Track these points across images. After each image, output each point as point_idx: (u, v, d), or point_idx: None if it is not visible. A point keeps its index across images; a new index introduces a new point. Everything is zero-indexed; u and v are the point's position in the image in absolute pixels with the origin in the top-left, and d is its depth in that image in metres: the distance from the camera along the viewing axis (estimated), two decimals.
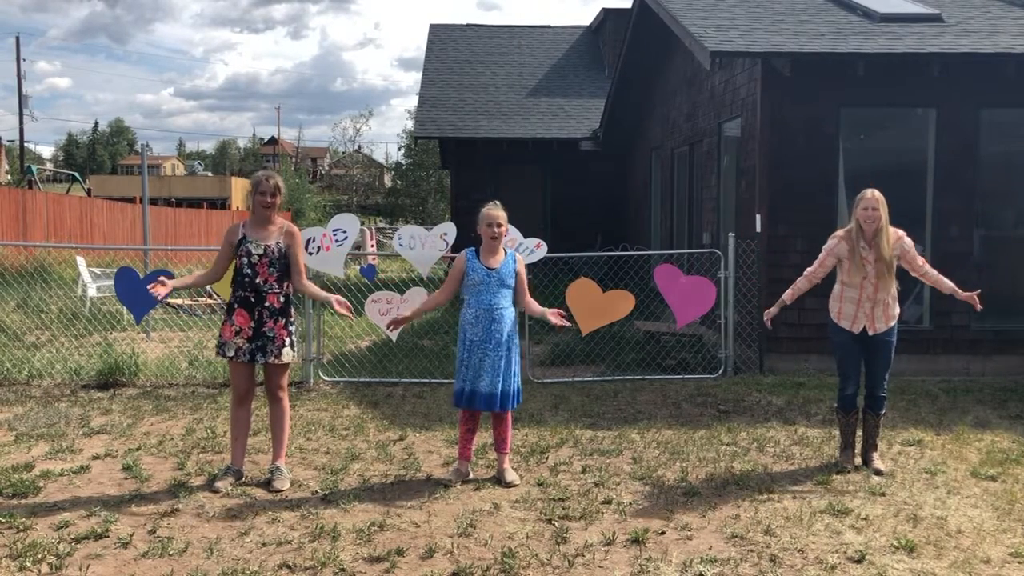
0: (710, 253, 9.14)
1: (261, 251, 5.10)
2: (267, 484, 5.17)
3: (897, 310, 5.49)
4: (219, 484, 5.11)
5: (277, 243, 5.14)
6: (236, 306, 5.14)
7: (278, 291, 5.15)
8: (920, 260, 5.48)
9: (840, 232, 5.50)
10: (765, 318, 5.84)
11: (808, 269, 5.66)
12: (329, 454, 5.89)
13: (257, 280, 5.11)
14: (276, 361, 5.14)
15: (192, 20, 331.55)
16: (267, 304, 5.12)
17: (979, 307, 5.48)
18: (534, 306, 5.40)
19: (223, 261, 5.31)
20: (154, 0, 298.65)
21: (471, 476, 5.37)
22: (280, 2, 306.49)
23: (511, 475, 5.30)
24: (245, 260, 5.12)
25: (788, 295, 5.73)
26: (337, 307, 5.07)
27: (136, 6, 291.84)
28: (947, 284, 5.49)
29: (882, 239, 5.28)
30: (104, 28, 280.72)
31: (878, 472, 5.40)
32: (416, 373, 8.46)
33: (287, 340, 5.17)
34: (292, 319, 5.25)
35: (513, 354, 5.28)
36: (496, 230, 5.26)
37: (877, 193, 5.32)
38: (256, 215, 5.25)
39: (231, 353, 5.13)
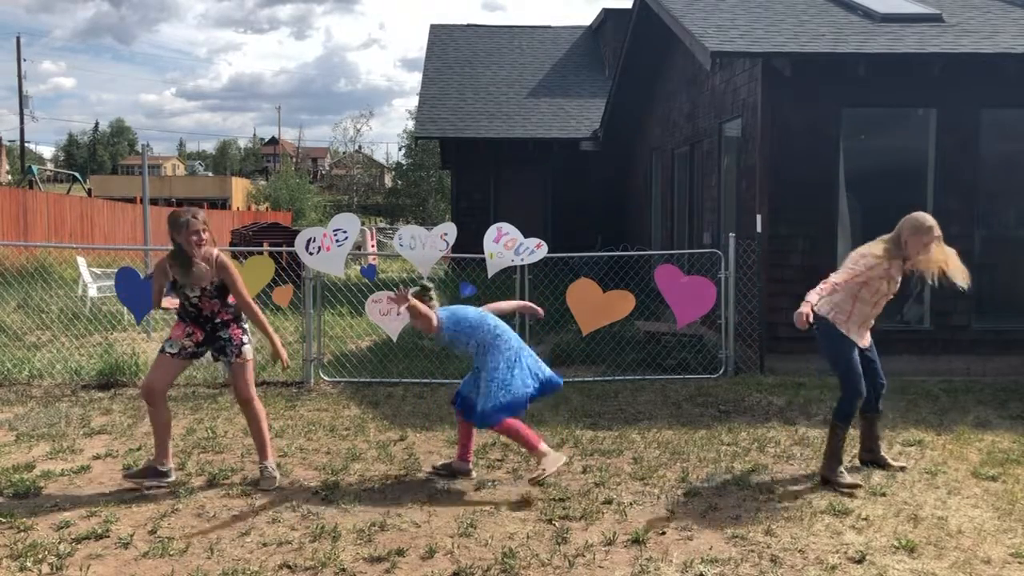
0: (711, 253, 9.14)
1: (198, 293, 5.08)
2: (256, 483, 5.18)
3: None
4: (149, 483, 5.08)
5: (212, 282, 5.08)
6: (189, 320, 5.16)
7: (224, 307, 5.16)
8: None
9: (880, 252, 5.12)
10: (801, 322, 4.93)
11: (838, 278, 5.08)
12: (329, 454, 5.89)
13: (204, 312, 5.13)
14: (239, 360, 5.13)
15: (197, 21, 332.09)
16: (218, 321, 5.15)
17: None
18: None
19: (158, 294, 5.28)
20: (159, 1, 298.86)
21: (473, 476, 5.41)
22: (284, 3, 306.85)
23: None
24: (185, 302, 5.14)
25: (815, 298, 5.06)
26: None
27: (141, 7, 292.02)
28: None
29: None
30: (109, 28, 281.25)
31: (903, 468, 5.41)
32: (417, 373, 8.46)
33: (243, 338, 5.18)
34: (244, 321, 5.25)
35: (481, 372, 5.21)
36: None
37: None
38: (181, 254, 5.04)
39: (175, 350, 5.10)
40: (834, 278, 5.12)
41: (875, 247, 5.24)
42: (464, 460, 5.40)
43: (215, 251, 5.10)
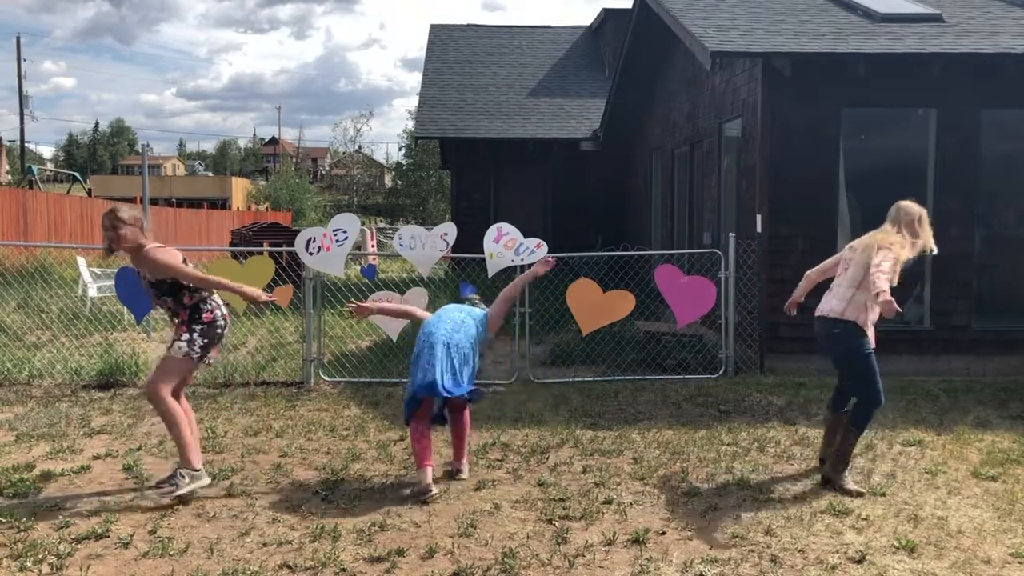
0: (711, 253, 9.14)
1: (145, 284, 5.11)
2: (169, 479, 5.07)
3: None
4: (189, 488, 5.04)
5: (145, 277, 5.07)
6: None
7: (179, 307, 5.09)
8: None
9: (901, 249, 5.00)
10: (894, 309, 4.67)
11: (887, 268, 4.85)
12: (329, 454, 5.89)
13: (162, 309, 5.18)
14: (168, 351, 5.03)
15: (197, 21, 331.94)
16: (178, 321, 5.14)
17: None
18: None
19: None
20: (160, 1, 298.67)
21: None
22: (284, 3, 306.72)
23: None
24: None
25: (887, 286, 4.79)
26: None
27: (141, 7, 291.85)
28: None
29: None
30: (109, 28, 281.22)
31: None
32: None
33: (184, 336, 5.02)
34: (201, 320, 5.08)
35: None
36: None
37: None
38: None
39: None
40: (886, 267, 4.85)
41: (892, 239, 5.02)
42: (457, 460, 5.43)
43: (148, 245, 5.01)
